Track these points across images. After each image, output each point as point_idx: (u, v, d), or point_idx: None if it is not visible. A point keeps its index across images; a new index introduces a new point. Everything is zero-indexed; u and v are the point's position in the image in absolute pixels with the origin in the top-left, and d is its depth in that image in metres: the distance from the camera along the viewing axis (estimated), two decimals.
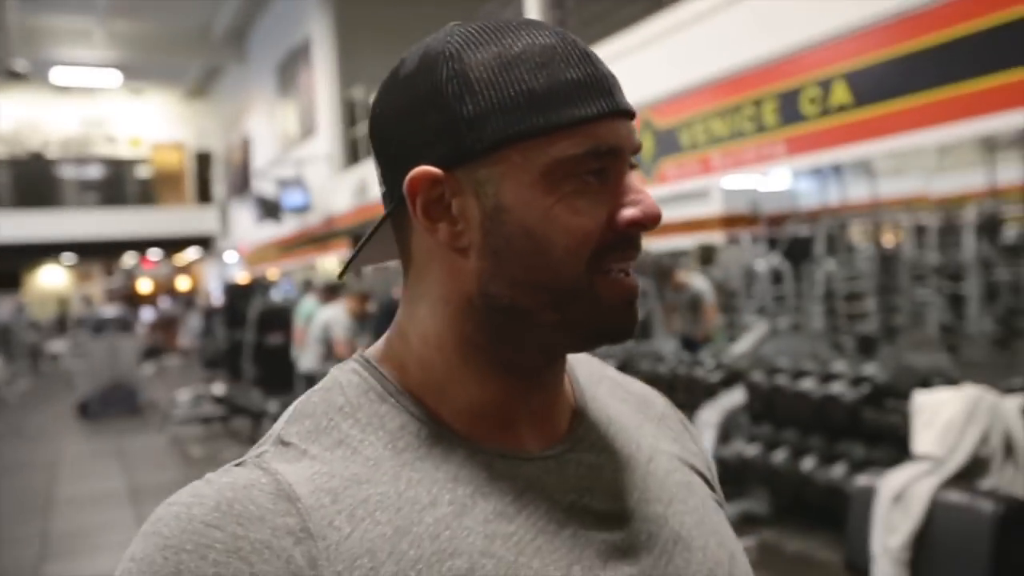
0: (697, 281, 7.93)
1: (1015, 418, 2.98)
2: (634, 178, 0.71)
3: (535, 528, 0.69)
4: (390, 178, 0.73)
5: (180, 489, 0.66)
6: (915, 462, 2.88)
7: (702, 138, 5.95)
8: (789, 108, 5.24)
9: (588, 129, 0.67)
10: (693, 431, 0.94)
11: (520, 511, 0.70)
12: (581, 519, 0.72)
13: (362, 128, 14.57)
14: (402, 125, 0.71)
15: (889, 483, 2.68)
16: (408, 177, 0.68)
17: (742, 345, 6.89)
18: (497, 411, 0.74)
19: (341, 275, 0.85)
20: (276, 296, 14.91)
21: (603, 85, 0.69)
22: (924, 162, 12.15)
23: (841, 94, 4.91)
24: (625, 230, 0.69)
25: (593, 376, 0.87)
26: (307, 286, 12.88)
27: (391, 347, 0.77)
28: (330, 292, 9.15)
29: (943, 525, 2.44)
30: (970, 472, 2.79)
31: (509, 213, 0.68)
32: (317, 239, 17.43)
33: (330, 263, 18.80)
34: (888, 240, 11.13)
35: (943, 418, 2.87)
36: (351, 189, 14.62)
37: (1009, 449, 2.90)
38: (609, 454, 0.78)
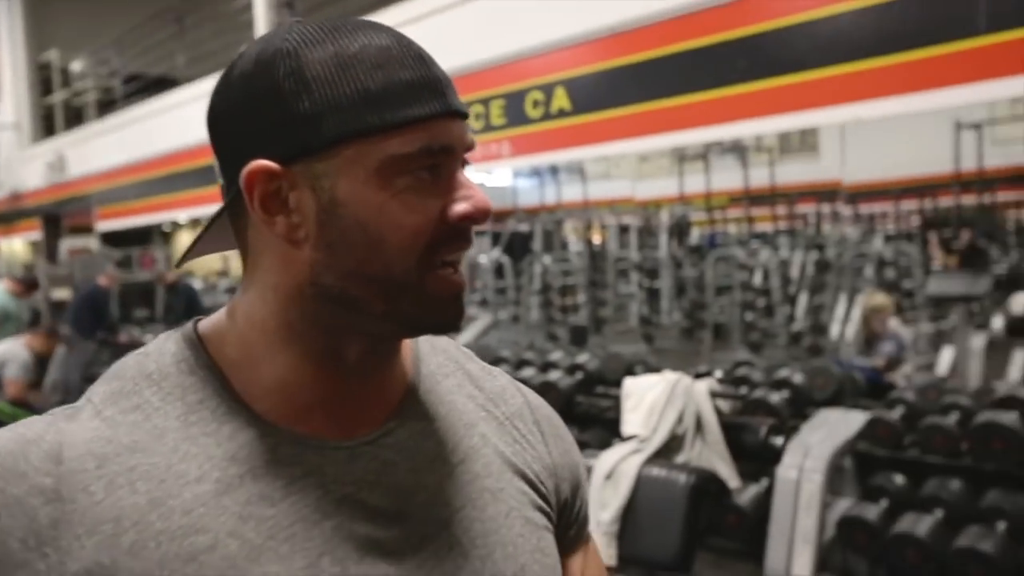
0: None
1: (704, 399, 3.33)
2: (465, 174, 0.73)
3: (296, 515, 0.69)
4: (228, 171, 0.73)
5: None
6: (624, 443, 3.11)
7: None
8: (515, 110, 5.43)
9: (421, 128, 0.69)
10: (552, 436, 0.91)
11: (287, 497, 0.70)
12: (351, 512, 0.72)
13: (58, 96, 13.29)
14: (239, 120, 0.71)
15: (602, 463, 2.88)
16: (245, 171, 0.69)
17: (466, 336, 7.10)
18: (305, 394, 0.74)
19: (179, 264, 0.85)
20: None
21: (436, 86, 0.71)
22: (628, 168, 13.17)
23: (561, 100, 5.15)
24: (456, 224, 0.71)
25: (444, 368, 0.87)
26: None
27: (219, 323, 0.77)
28: (26, 285, 8.33)
29: (646, 497, 2.67)
30: (668, 449, 3.09)
31: (344, 207, 0.69)
32: (1, 218, 15.58)
33: (18, 246, 17.05)
34: (596, 238, 11.88)
35: (648, 401, 3.15)
36: (44, 164, 13.08)
37: (699, 427, 3.24)
38: (412, 452, 0.77)
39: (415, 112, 0.69)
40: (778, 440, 3.36)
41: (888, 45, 3.87)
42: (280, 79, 0.68)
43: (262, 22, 8.17)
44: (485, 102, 5.62)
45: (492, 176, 12.43)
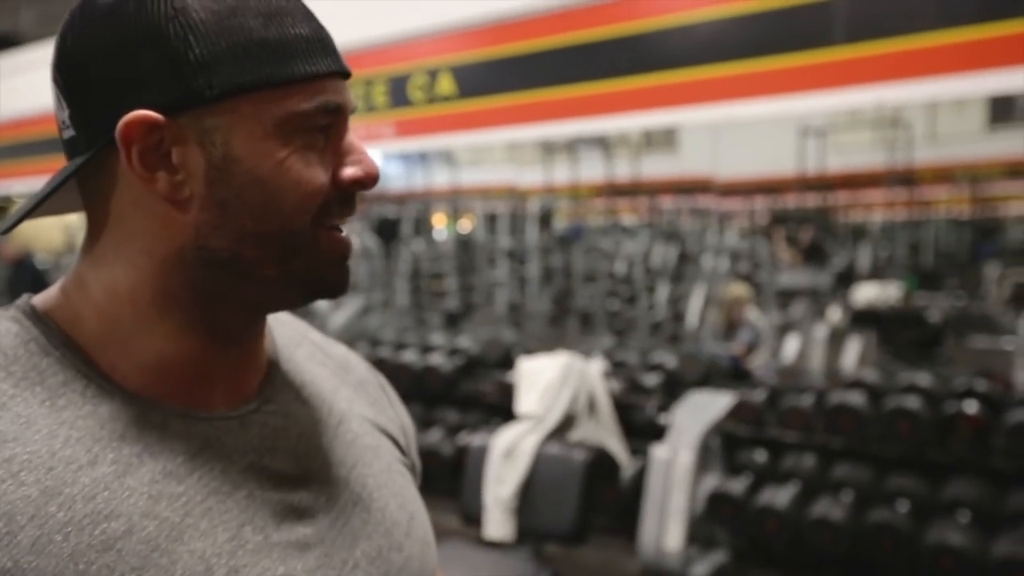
0: None
1: (598, 380, 3.48)
2: (355, 137, 0.70)
3: (207, 489, 0.66)
4: (87, 121, 0.65)
5: None
6: (519, 421, 3.22)
7: None
8: (398, 91, 5.42)
9: (318, 85, 0.65)
10: (393, 397, 0.93)
11: (192, 471, 0.65)
12: (258, 480, 0.69)
13: None
14: (107, 63, 0.63)
15: (500, 441, 2.97)
16: (123, 122, 0.61)
17: (339, 318, 7.06)
18: (187, 368, 0.69)
19: (7, 230, 0.71)
20: None
21: (328, 44, 0.68)
22: (498, 156, 13.29)
23: (446, 84, 5.18)
24: (348, 188, 0.68)
25: (293, 338, 0.84)
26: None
27: (66, 297, 0.69)
28: None
29: (544, 473, 2.78)
30: (563, 427, 3.22)
31: (239, 164, 0.64)
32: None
33: None
34: (465, 225, 11.94)
35: (542, 382, 3.27)
36: None
37: (592, 406, 3.39)
38: (297, 417, 0.75)
39: (313, 68, 0.65)
40: (663, 418, 3.56)
41: (750, 51, 4.06)
42: (162, 20, 0.61)
43: None
44: (368, 83, 5.57)
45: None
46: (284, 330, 0.84)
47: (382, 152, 7.60)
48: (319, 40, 0.67)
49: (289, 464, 0.72)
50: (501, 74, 5.00)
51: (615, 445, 3.46)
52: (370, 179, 0.69)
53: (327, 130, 0.67)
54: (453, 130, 5.24)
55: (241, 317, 0.70)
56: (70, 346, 0.66)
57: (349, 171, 0.68)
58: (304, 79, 0.65)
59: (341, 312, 7.30)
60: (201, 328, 0.68)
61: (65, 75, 0.65)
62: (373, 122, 5.52)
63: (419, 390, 4.88)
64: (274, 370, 0.77)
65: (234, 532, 0.66)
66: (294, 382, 0.79)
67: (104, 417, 0.64)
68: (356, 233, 10.30)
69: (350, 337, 5.84)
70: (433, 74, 5.25)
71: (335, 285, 0.71)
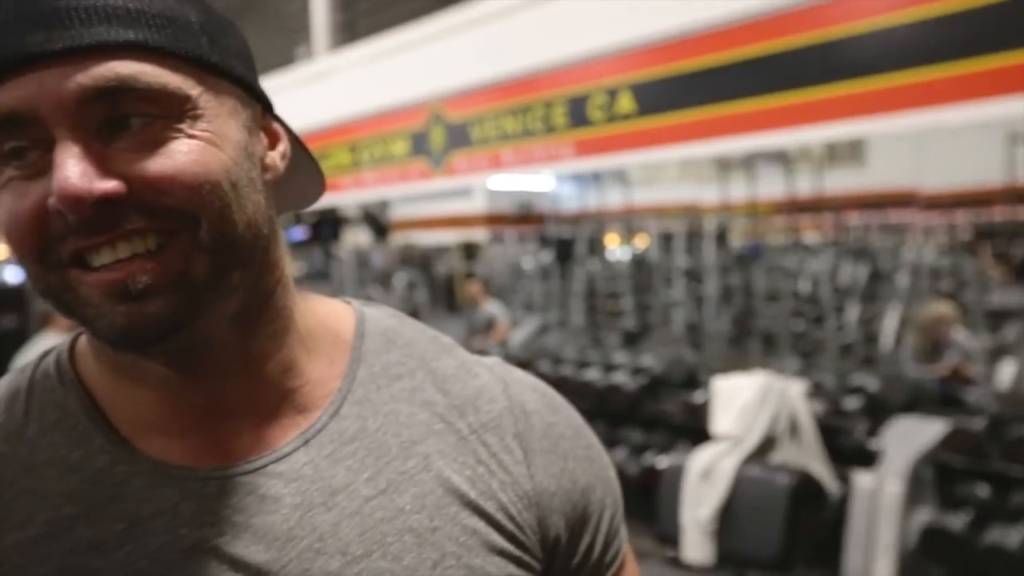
0: (491, 306, 8.04)
1: (799, 401, 3.28)
2: (68, 145, 0.50)
3: (128, 568, 0.56)
4: None
5: None
6: (715, 442, 3.08)
7: (492, 134, 6.01)
8: (577, 111, 5.41)
9: (15, 85, 0.50)
10: (541, 453, 0.70)
11: (123, 545, 0.57)
12: (201, 564, 0.57)
13: None
14: None
15: (696, 462, 2.85)
16: None
17: (518, 337, 7.09)
18: (164, 418, 0.61)
19: None
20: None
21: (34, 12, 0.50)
22: (671, 174, 13.08)
23: (626, 102, 5.12)
24: (62, 214, 0.51)
25: (396, 368, 0.69)
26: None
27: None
28: None
29: (745, 496, 2.63)
30: (763, 449, 3.05)
31: None
32: None
33: None
34: (638, 244, 11.78)
35: (739, 401, 3.11)
36: None
37: (794, 429, 3.20)
38: (307, 482, 0.60)
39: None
40: (872, 443, 3.32)
41: (947, 54, 3.78)
42: None
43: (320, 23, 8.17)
44: (547, 104, 5.60)
45: (532, 181, 12.37)
46: (391, 356, 0.69)
47: (559, 172, 7.67)
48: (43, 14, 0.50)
49: (252, 549, 0.58)
50: (681, 90, 4.89)
51: (820, 470, 3.24)
52: (64, 205, 0.49)
53: (21, 153, 0.52)
54: (632, 148, 5.16)
55: (136, 359, 0.58)
56: (75, 382, 0.63)
57: (50, 199, 0.51)
58: None
59: (520, 331, 7.34)
60: (129, 375, 0.61)
61: None
62: (552, 143, 5.53)
63: (602, 409, 4.82)
64: (326, 415, 0.63)
65: None
66: (346, 431, 0.63)
67: (67, 467, 0.59)
68: (532, 254, 10.40)
69: (531, 355, 5.84)
70: (613, 93, 5.22)
71: (109, 332, 0.54)
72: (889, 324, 7.41)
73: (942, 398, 4.31)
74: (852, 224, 11.13)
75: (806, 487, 2.57)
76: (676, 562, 2.76)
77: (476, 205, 12.62)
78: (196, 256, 0.53)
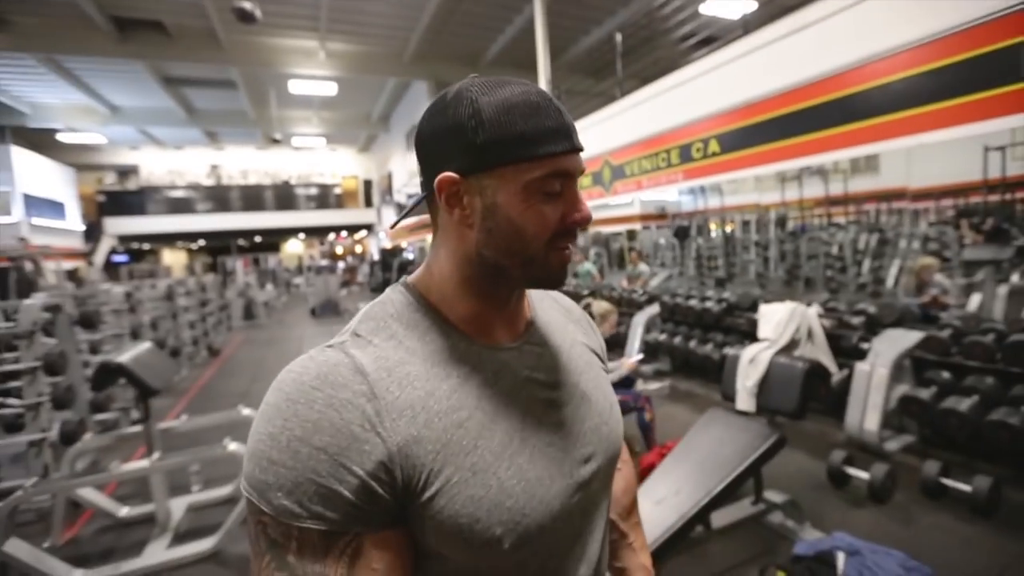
0: (642, 266, 7.78)
1: (814, 318, 2.92)
2: (578, 192, 0.61)
3: (506, 392, 0.61)
4: (426, 174, 0.62)
5: (295, 359, 0.58)
6: (759, 343, 2.83)
7: (636, 170, 5.77)
8: (685, 153, 5.07)
9: (554, 160, 0.58)
10: (595, 328, 0.80)
11: (497, 381, 0.61)
12: (532, 386, 0.63)
13: None
14: (436, 142, 0.59)
15: (746, 353, 2.63)
16: (438, 178, 0.59)
17: (654, 282, 6.80)
18: (483, 320, 0.63)
19: (394, 226, 0.75)
20: (407, 255, 14.84)
21: (567, 132, 0.59)
22: (748, 186, 11.86)
23: (714, 146, 4.74)
24: (570, 226, 0.60)
25: (544, 301, 0.75)
26: (421, 251, 12.78)
27: (422, 277, 0.65)
28: None
29: (776, 374, 2.40)
30: (789, 347, 2.76)
31: (500, 208, 0.58)
32: (425, 225, 17.25)
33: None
34: (728, 228, 10.92)
35: (775, 318, 2.82)
36: None
37: (809, 334, 2.85)
38: (548, 345, 0.67)
39: (551, 149, 0.58)
40: (865, 344, 2.89)
41: (935, 97, 3.13)
42: (464, 117, 0.57)
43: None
44: (667, 151, 5.27)
45: (665, 194, 11.81)
46: (539, 294, 0.75)
47: (676, 189, 7.28)
48: (560, 129, 0.58)
49: (547, 374, 0.65)
50: (748, 135, 4.45)
51: (827, 360, 2.88)
52: (585, 221, 0.60)
53: (563, 186, 0.59)
54: (718, 173, 4.78)
55: (506, 292, 0.63)
56: (428, 306, 0.63)
57: (573, 216, 0.60)
58: (544, 156, 0.57)
59: (656, 279, 7.03)
60: (484, 296, 0.63)
61: (418, 147, 0.63)
62: (670, 173, 5.24)
63: (699, 322, 4.53)
64: (532, 318, 0.69)
65: (520, 417, 0.61)
66: (543, 323, 0.69)
67: (450, 350, 0.61)
68: (664, 236, 9.88)
69: (661, 292, 5.58)
70: (706, 142, 4.82)
71: (555, 281, 0.61)
72: (891, 272, 6.31)
73: (922, 317, 3.65)
74: (869, 210, 9.51)
75: (815, 369, 2.29)
76: (734, 410, 2.58)
77: (635, 209, 12.25)
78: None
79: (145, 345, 2.72)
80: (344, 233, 23.43)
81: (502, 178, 0.58)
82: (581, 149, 0.60)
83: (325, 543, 0.52)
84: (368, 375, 0.56)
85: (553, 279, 0.61)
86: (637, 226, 12.57)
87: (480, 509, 0.56)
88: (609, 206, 13.20)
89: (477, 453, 0.57)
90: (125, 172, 17.53)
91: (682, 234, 9.70)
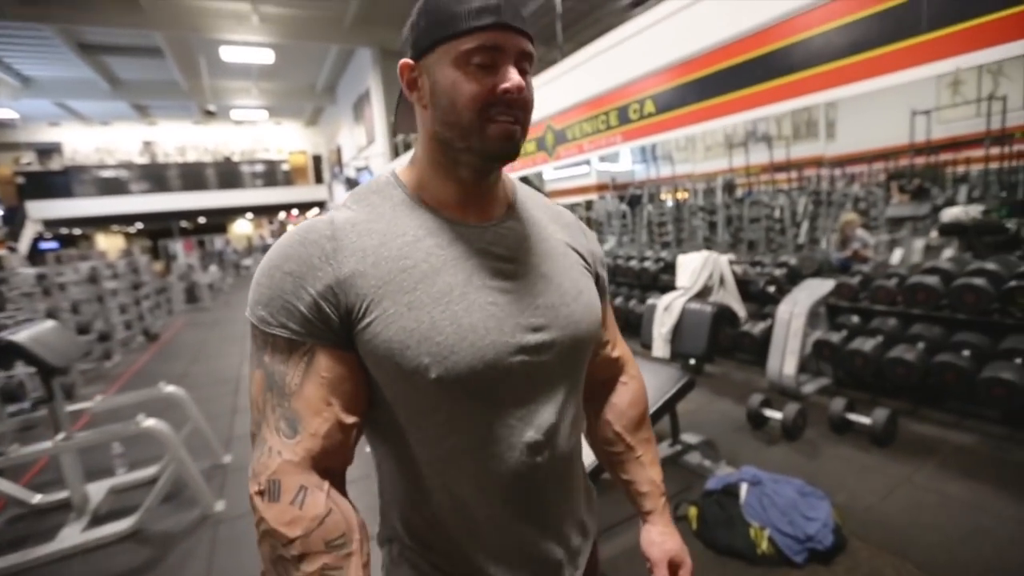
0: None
1: (726, 266, 3.03)
2: (510, 67, 0.64)
3: (457, 255, 0.67)
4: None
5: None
6: (675, 291, 2.91)
7: (578, 133, 5.78)
8: (623, 115, 5.09)
9: (483, 35, 0.62)
10: (590, 234, 0.83)
11: (452, 245, 0.67)
12: (485, 256, 0.69)
13: (400, 137, 13.92)
14: (404, 40, 0.68)
15: (662, 301, 2.71)
16: (399, 64, 0.67)
17: (607, 246, 6.88)
18: (451, 200, 0.69)
19: (394, 131, 0.84)
20: None
21: (496, 8, 0.63)
22: (698, 154, 12.06)
23: (649, 106, 4.77)
24: (501, 95, 0.63)
25: (532, 197, 0.80)
26: None
27: (407, 166, 0.73)
28: None
29: (688, 320, 2.48)
30: (702, 294, 2.85)
31: (439, 84, 0.64)
32: None
33: None
34: (679, 196, 11.11)
35: (691, 267, 2.91)
36: None
37: (721, 281, 2.96)
38: (516, 231, 0.72)
39: (475, 23, 0.62)
40: (770, 289, 3.02)
41: (855, 49, 3.22)
42: (416, 11, 0.66)
43: None
44: (606, 113, 5.28)
45: (618, 165, 11.93)
46: (527, 191, 0.79)
47: (617, 152, 7.32)
48: (488, 7, 0.62)
49: (505, 251, 0.70)
50: (679, 95, 4.50)
51: (736, 305, 3.00)
52: (514, 89, 0.63)
53: (491, 61, 0.62)
54: (654, 133, 4.82)
55: (468, 171, 0.67)
56: (404, 185, 0.70)
57: (502, 84, 0.63)
58: (473, 31, 0.62)
59: (607, 243, 7.13)
60: (451, 177, 0.68)
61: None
62: (610, 135, 5.27)
63: (638, 281, 4.64)
64: (513, 207, 0.74)
65: (466, 276, 0.66)
66: (522, 216, 0.74)
67: (415, 218, 0.68)
68: (613, 205, 9.98)
69: (611, 255, 5.65)
70: (642, 103, 4.84)
71: (502, 153, 0.65)
72: (823, 231, 6.60)
73: (841, 269, 3.83)
74: (810, 176, 9.86)
75: (723, 313, 2.38)
76: (651, 357, 2.66)
77: (591, 180, 12.35)
78: (522, 136, 0.65)
79: (47, 323, 2.57)
80: (295, 211, 22.73)
81: (440, 56, 0.63)
82: (516, 28, 0.63)
83: (288, 348, 0.64)
84: (336, 226, 0.66)
85: (495, 149, 0.64)
86: (594, 196, 12.71)
87: (411, 338, 0.64)
88: (573, 177, 13.26)
89: (415, 294, 0.65)
90: (47, 151, 16.34)
91: (634, 202, 9.84)
